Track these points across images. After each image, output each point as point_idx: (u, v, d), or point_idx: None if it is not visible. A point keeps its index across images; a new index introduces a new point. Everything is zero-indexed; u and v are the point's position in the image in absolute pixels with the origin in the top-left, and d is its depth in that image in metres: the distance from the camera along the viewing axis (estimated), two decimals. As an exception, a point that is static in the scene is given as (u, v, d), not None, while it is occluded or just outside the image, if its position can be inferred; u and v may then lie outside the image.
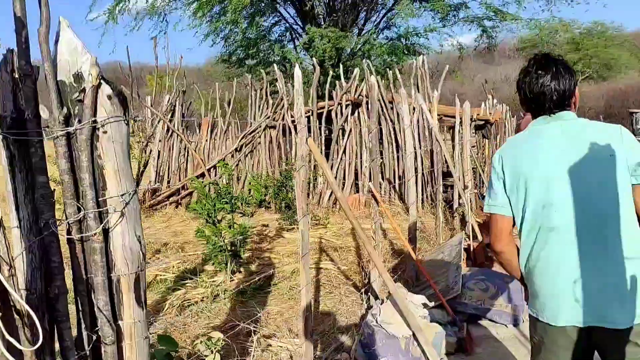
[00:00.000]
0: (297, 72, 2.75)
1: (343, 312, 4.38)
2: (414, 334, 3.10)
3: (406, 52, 13.47)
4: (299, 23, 14.70)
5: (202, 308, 4.44)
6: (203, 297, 4.66)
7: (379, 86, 8.83)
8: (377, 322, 3.20)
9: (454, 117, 9.06)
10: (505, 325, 4.28)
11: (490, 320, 4.31)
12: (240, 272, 5.34)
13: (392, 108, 8.86)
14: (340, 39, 11.33)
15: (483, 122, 9.02)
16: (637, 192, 1.92)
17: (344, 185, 9.04)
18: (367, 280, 4.87)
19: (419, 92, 8.71)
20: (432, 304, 3.78)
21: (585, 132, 2.01)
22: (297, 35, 14.94)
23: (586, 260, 1.92)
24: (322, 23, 13.18)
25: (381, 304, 3.43)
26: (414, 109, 8.69)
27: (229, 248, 5.03)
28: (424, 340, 3.06)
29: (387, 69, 11.85)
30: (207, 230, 4.90)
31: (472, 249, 6.26)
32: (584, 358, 2.03)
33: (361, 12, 13.50)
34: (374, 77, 4.76)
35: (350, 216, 3.33)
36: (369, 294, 4.31)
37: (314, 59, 10.03)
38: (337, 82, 9.22)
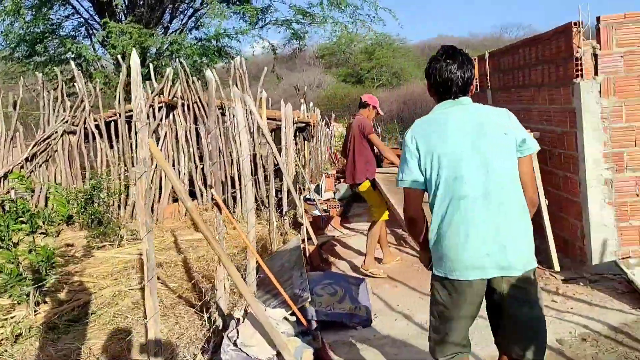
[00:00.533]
0: (135, 58, 2.22)
1: (184, 336, 3.84)
2: (278, 354, 2.77)
3: (217, 54, 13.04)
4: (96, 18, 13.25)
5: (1, 353, 3.52)
6: (1, 339, 3.72)
7: (195, 87, 8.29)
8: (236, 345, 2.78)
9: (274, 119, 8.95)
10: (355, 328, 4.18)
11: (342, 324, 4.16)
12: (46, 302, 4.42)
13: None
14: (144, 36, 10.44)
15: (304, 124, 9.09)
16: (521, 163, 2.38)
17: (160, 193, 8.29)
18: (207, 297, 4.37)
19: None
20: (294, 318, 3.48)
21: (482, 114, 2.41)
22: (94, 30, 13.47)
23: (490, 222, 2.29)
24: (123, 19, 12.05)
25: (237, 324, 3.02)
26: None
27: (30, 277, 4.10)
28: (290, 358, 2.74)
29: (200, 70, 11.33)
30: (0, 257, 3.92)
31: (307, 252, 6.14)
32: (477, 310, 2.41)
33: (167, 10, 12.70)
34: (211, 74, 4.27)
35: (203, 229, 2.86)
36: (211, 312, 3.84)
37: (119, 57, 9.03)
38: (147, 82, 8.43)
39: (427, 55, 44.28)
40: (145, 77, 9.18)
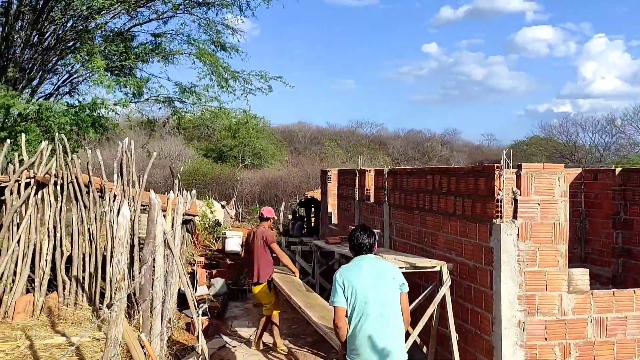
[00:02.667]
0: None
1: None
2: None
3: (92, 125, 11.80)
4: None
5: None
6: None
7: (73, 166, 7.23)
8: None
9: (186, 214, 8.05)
10: None
11: None
12: None
13: (88, 192, 7.32)
14: (10, 98, 9.05)
15: (190, 217, 8.34)
16: (402, 297, 3.98)
17: (13, 283, 6.87)
18: None
19: (122, 177, 7.46)
20: None
21: (381, 265, 4.08)
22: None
23: (381, 331, 3.82)
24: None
25: None
26: (115, 196, 7.36)
27: None
28: None
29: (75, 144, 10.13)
30: None
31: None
32: None
33: (38, 71, 11.26)
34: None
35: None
36: None
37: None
38: (15, 153, 7.17)
39: (288, 138, 45.53)
40: (2, 141, 7.92)
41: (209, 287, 10.22)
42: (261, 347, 7.17)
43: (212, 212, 19.49)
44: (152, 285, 3.58)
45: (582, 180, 9.97)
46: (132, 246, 7.21)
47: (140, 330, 3.29)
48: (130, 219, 7.57)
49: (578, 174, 10.05)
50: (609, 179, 8.38)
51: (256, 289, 7.07)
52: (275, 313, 7.07)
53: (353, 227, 4.39)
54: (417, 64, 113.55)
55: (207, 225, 18.27)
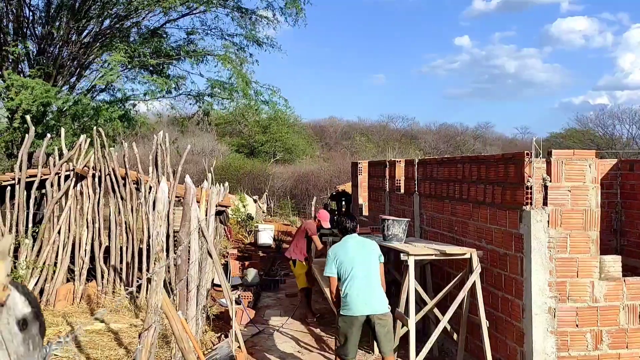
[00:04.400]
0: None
1: None
2: None
3: (123, 119, 12.14)
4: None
5: None
6: None
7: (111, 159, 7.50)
8: None
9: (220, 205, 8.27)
10: None
11: None
12: None
13: (124, 185, 7.58)
14: (49, 93, 9.41)
15: (223, 208, 8.55)
16: (380, 266, 5.16)
17: (54, 272, 7.18)
18: None
19: (157, 169, 7.69)
20: None
21: (362, 240, 5.26)
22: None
23: (366, 288, 4.94)
24: (27, 69, 10.84)
25: None
26: (150, 188, 7.60)
27: None
28: None
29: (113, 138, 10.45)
30: None
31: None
32: (361, 332, 5.03)
33: (76, 68, 11.64)
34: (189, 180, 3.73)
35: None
36: None
37: (21, 114, 7.97)
38: (55, 147, 7.48)
39: (319, 133, 45.62)
40: (41, 136, 8.25)
41: (242, 277, 10.42)
42: (312, 318, 8.17)
43: (244, 206, 19.78)
44: (188, 268, 3.73)
45: (618, 171, 9.76)
46: (167, 236, 7.44)
47: (177, 309, 3.44)
48: (165, 210, 7.82)
49: (614, 164, 9.85)
50: (648, 168, 8.18)
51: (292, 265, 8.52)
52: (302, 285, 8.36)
53: (384, 217, 6.23)
54: (450, 57, 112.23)
55: (239, 219, 18.56)
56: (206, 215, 6.38)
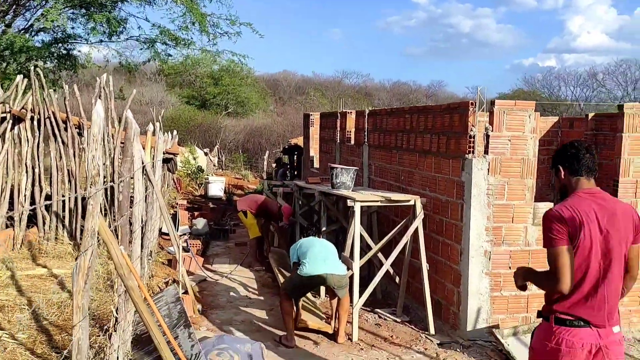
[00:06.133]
0: None
1: None
2: None
3: (64, 60, 11.58)
4: None
5: None
6: None
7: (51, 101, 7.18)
8: None
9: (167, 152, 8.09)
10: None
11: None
12: None
13: (65, 128, 7.30)
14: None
15: (171, 155, 8.37)
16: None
17: (-8, 218, 6.93)
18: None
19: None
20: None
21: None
22: None
23: (324, 252, 5.46)
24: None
25: None
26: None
27: None
28: None
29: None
30: None
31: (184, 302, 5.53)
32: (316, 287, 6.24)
33: (11, 5, 10.89)
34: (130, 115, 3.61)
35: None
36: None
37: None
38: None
39: (273, 87, 44.83)
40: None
41: (191, 227, 10.39)
42: (260, 266, 8.40)
43: (194, 159, 19.50)
44: (130, 206, 3.69)
45: (559, 129, 10.16)
46: (112, 187, 7.29)
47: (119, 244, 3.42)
48: (110, 156, 7.63)
49: (555, 122, 10.23)
50: (584, 126, 8.53)
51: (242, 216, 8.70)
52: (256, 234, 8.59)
53: (333, 165, 6.03)
54: (407, 14, 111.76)
55: (189, 172, 18.33)
56: (152, 160, 6.26)
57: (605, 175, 7.45)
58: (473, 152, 5.35)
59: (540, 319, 2.86)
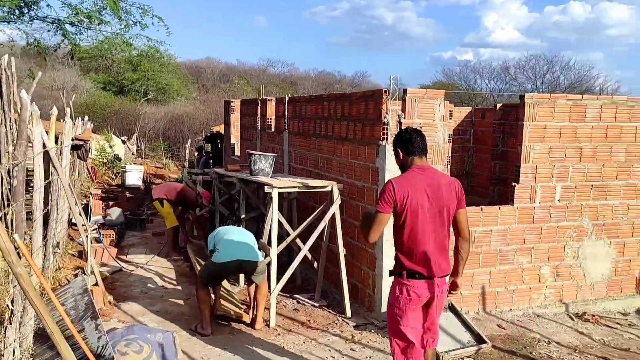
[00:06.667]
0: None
1: None
2: None
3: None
4: None
5: None
6: None
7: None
8: None
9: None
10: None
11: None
12: None
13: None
14: None
15: (81, 142, 7.94)
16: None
17: None
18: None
19: (1, 98, 6.91)
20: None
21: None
22: None
23: (240, 238, 5.40)
24: None
25: None
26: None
27: None
28: None
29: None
30: None
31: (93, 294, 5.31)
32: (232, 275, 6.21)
33: None
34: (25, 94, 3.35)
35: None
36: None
37: None
38: None
39: (196, 74, 43.64)
40: None
41: (104, 217, 9.96)
42: (178, 255, 8.21)
43: (111, 147, 18.69)
44: (25, 192, 3.46)
45: (472, 118, 10.64)
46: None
47: (13, 232, 3.21)
48: (12, 141, 7.13)
49: (469, 112, 10.71)
50: (494, 116, 8.98)
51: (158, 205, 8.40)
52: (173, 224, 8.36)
53: (251, 152, 6.17)
54: (331, 4, 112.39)
55: (105, 161, 17.55)
56: (57, 144, 5.93)
57: (511, 163, 7.91)
58: (387, 139, 5.49)
59: (392, 277, 3.54)
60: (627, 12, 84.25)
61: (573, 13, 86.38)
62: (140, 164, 19.01)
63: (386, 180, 5.40)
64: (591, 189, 6.14)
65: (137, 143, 25.48)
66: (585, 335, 5.59)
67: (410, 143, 3.49)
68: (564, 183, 6.03)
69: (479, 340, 5.13)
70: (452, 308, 5.53)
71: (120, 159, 18.17)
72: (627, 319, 6.13)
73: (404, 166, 3.58)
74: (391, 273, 3.55)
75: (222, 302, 5.66)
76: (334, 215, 5.95)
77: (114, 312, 5.56)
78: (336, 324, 5.65)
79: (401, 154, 3.55)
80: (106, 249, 7.50)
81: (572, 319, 5.99)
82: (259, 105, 9.60)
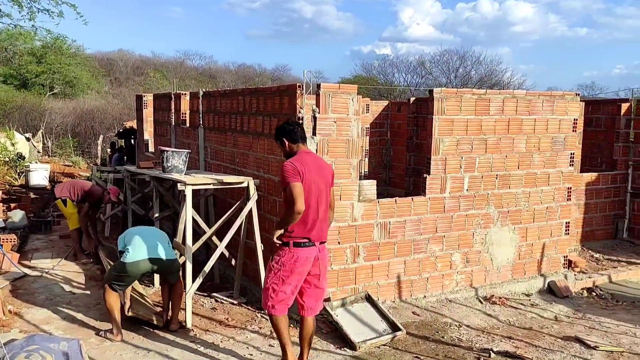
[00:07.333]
0: None
1: None
2: None
3: None
4: None
5: None
6: None
7: None
8: None
9: None
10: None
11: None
12: None
13: None
14: None
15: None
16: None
17: None
18: None
19: None
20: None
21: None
22: None
23: (152, 237, 5.21)
24: None
25: None
26: None
27: None
28: None
29: None
30: None
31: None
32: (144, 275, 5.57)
33: None
34: None
35: None
36: None
37: None
38: None
39: (107, 67, 41.73)
40: None
41: (5, 220, 9.28)
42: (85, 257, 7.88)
43: (13, 145, 17.45)
44: None
45: (389, 112, 10.92)
46: None
47: None
48: None
49: (385, 105, 10.97)
50: (409, 110, 9.25)
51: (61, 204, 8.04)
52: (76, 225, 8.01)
53: (163, 148, 5.93)
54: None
55: (7, 160, 16.36)
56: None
57: (424, 155, 8.18)
58: (302, 133, 5.47)
59: (285, 246, 4.06)
60: (531, 10, 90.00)
61: (482, 10, 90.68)
62: (47, 162, 17.90)
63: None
64: (496, 178, 6.47)
65: (43, 140, 23.94)
66: (493, 317, 5.91)
67: (294, 132, 4.19)
68: (471, 173, 6.31)
69: (394, 328, 5.27)
70: (368, 298, 5.65)
71: (24, 158, 17.02)
72: (530, 299, 6.55)
73: (289, 154, 4.22)
74: (283, 243, 4.06)
75: (134, 305, 5.44)
76: (250, 211, 5.88)
77: (15, 322, 5.18)
78: (255, 320, 5.60)
79: (286, 143, 4.23)
80: (5, 254, 6.98)
81: (481, 302, 6.31)
82: (173, 99, 9.30)
